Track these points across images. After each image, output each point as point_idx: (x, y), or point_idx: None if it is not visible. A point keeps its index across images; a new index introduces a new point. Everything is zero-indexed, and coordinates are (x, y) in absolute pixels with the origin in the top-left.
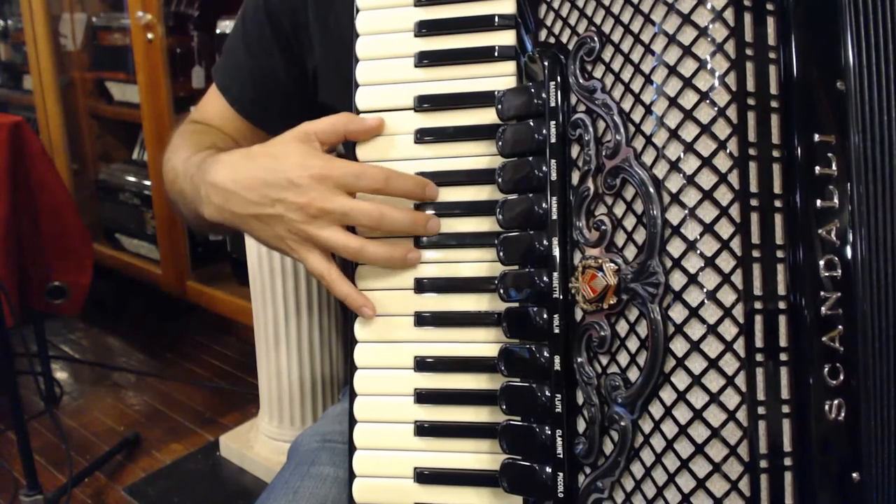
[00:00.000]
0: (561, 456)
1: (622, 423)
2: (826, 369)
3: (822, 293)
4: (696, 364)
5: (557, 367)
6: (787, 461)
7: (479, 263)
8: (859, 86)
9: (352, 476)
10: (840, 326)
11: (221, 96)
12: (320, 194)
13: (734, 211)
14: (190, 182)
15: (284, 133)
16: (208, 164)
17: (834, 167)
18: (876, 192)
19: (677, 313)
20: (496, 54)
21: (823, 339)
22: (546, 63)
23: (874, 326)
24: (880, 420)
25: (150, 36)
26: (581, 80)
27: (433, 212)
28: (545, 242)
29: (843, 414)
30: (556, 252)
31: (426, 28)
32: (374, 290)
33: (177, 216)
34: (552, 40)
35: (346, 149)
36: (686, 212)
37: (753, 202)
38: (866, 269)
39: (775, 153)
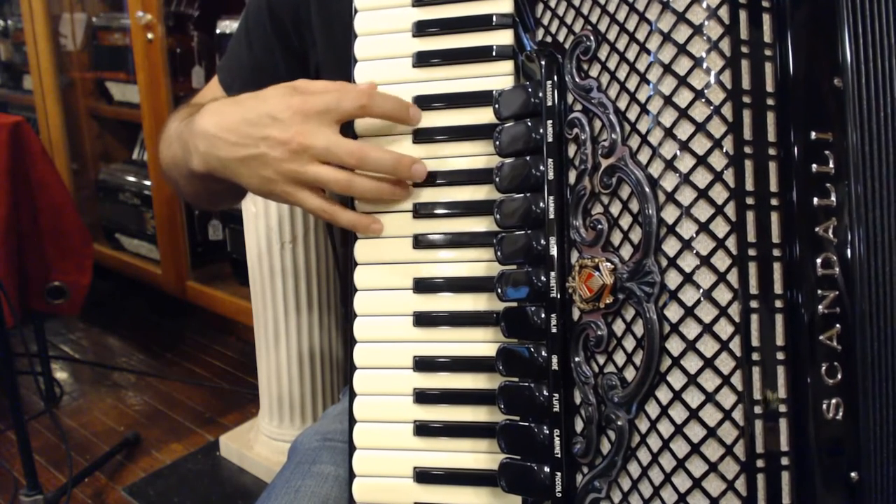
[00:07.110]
0: (559, 455)
1: (619, 423)
2: (824, 368)
3: (819, 292)
4: (692, 363)
5: (555, 366)
6: (785, 461)
7: (476, 263)
8: (857, 82)
9: (352, 476)
10: (838, 325)
11: (223, 91)
12: (302, 128)
13: (729, 209)
14: (180, 140)
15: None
16: (196, 116)
17: (831, 164)
18: (874, 189)
19: (673, 312)
20: (494, 54)
21: (821, 337)
22: (543, 62)
23: (872, 325)
24: (879, 419)
25: (150, 36)
26: (577, 79)
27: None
28: (542, 242)
29: (841, 413)
30: (554, 251)
31: (424, 28)
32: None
33: (175, 192)
34: (549, 39)
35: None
36: (681, 210)
37: (749, 200)
38: (864, 267)
39: (771, 151)
